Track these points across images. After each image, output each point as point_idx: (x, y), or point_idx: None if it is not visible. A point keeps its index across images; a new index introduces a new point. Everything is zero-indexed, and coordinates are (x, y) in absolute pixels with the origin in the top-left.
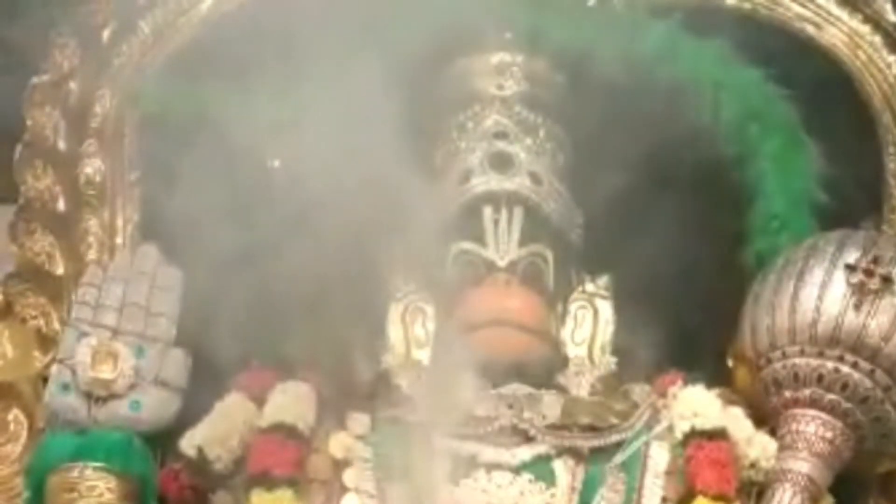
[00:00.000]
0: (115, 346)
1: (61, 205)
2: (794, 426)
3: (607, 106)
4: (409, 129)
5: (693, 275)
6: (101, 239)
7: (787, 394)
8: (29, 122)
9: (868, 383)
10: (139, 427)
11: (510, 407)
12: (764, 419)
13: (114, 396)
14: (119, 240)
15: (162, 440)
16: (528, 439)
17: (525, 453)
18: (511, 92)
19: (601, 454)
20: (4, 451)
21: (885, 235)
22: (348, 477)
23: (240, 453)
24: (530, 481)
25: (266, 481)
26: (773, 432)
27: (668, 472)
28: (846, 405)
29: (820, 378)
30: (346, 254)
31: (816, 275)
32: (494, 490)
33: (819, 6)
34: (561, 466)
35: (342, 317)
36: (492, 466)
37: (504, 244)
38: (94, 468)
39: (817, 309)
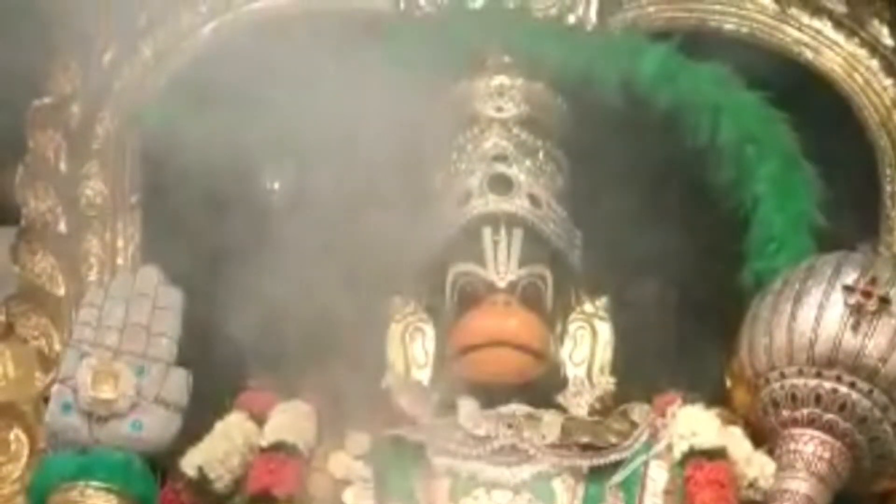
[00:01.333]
0: (117, 366)
1: (62, 226)
2: (792, 446)
3: (606, 128)
4: (408, 152)
5: (691, 296)
6: (103, 260)
7: (785, 413)
8: (31, 144)
9: (866, 403)
10: (140, 447)
11: (510, 426)
12: (762, 439)
13: (115, 416)
14: (120, 261)
15: (163, 460)
16: (528, 458)
17: (525, 472)
18: (510, 114)
19: (600, 473)
20: (6, 470)
21: (883, 257)
22: (348, 496)
23: (240, 473)
24: (530, 500)
25: (266, 500)
26: (771, 452)
27: (668, 492)
28: (844, 425)
29: (818, 398)
30: (346, 274)
31: (814, 296)
32: None
33: (816, 31)
34: (560, 486)
35: (342, 337)
36: (492, 485)
37: (503, 265)
38: (96, 488)
39: (815, 330)
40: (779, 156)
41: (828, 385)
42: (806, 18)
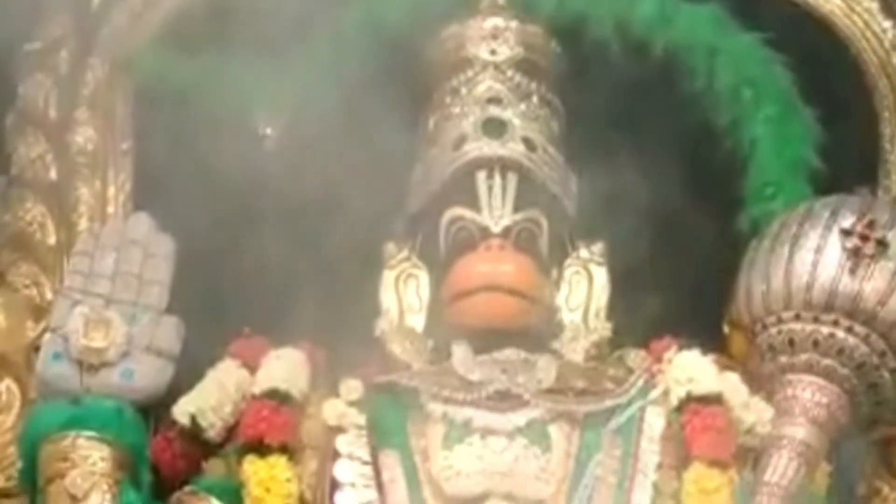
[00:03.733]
0: (108, 314)
1: (53, 174)
2: (789, 392)
3: (601, 72)
4: (402, 95)
5: (688, 241)
6: (93, 208)
7: (783, 359)
8: (20, 91)
9: (864, 349)
10: (132, 395)
11: (504, 372)
12: (760, 385)
13: (106, 365)
14: (111, 209)
15: (155, 408)
16: (523, 404)
17: (520, 418)
18: (504, 57)
19: (596, 419)
20: None
21: (881, 200)
22: (341, 443)
23: (233, 421)
24: (525, 446)
25: (259, 448)
26: (769, 398)
27: (664, 438)
28: (842, 371)
29: (815, 343)
30: (339, 220)
31: (811, 240)
32: (489, 455)
33: None
34: (556, 431)
35: (335, 283)
36: (486, 431)
37: (498, 210)
38: (88, 437)
39: (812, 274)
40: (776, 99)
41: (825, 330)
42: None
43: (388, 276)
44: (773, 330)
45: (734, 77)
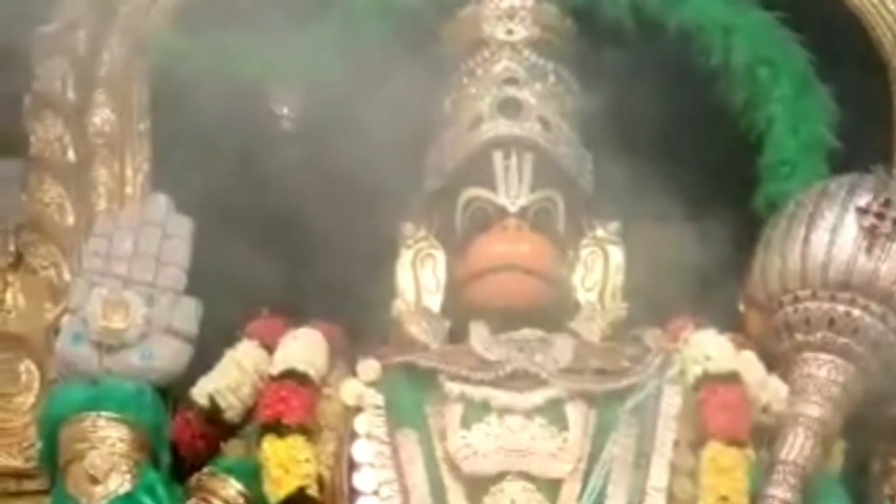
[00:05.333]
0: (126, 295)
1: (71, 155)
2: (805, 370)
3: (617, 51)
4: (419, 75)
5: (704, 219)
6: (111, 189)
7: (799, 337)
8: (37, 72)
9: (880, 327)
10: (151, 376)
11: (521, 351)
12: (775, 363)
13: (125, 346)
14: (129, 189)
15: (173, 389)
16: (540, 383)
17: (537, 397)
18: (520, 37)
19: (613, 398)
20: (17, 401)
21: None
22: (359, 423)
23: (251, 401)
24: (542, 426)
25: (277, 428)
26: (784, 376)
27: (681, 416)
28: (858, 349)
29: (831, 322)
30: (357, 200)
31: (828, 218)
32: (507, 434)
33: None
34: (573, 410)
35: (353, 263)
36: (504, 410)
37: (515, 189)
38: (107, 418)
39: (829, 253)
40: (792, 77)
41: (841, 308)
42: None
43: (404, 256)
44: (790, 308)
45: (750, 55)
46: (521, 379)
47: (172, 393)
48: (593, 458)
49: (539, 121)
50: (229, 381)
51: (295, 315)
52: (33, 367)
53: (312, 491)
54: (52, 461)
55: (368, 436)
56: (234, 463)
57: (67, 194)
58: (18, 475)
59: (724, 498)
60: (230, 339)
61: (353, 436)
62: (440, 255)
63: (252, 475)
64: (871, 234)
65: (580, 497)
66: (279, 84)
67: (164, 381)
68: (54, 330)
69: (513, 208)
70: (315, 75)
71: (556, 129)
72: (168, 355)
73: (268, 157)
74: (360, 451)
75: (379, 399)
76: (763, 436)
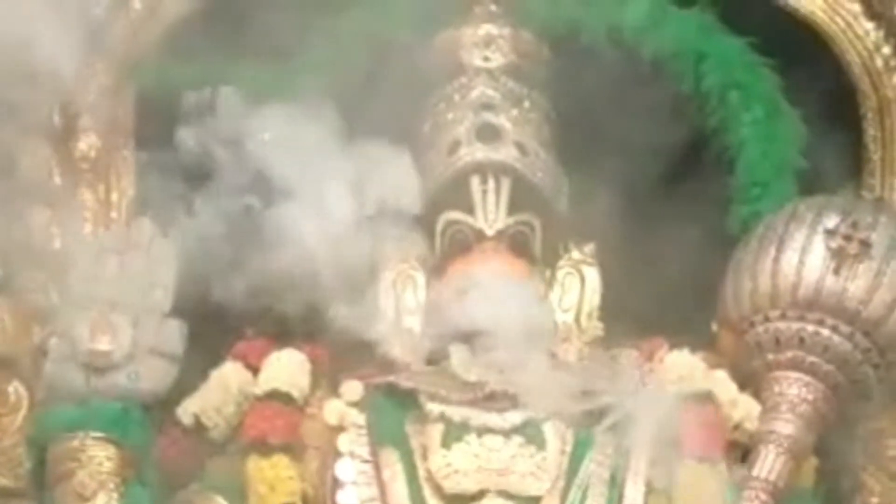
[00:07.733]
0: (113, 318)
1: (57, 179)
2: (776, 388)
3: (592, 77)
4: (397, 101)
5: (677, 241)
6: (97, 213)
7: (770, 356)
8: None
9: (848, 346)
10: (137, 397)
11: (501, 372)
12: (748, 382)
13: (112, 367)
14: (114, 214)
15: (159, 409)
16: (519, 404)
17: (515, 417)
18: (497, 64)
19: (590, 418)
20: (5, 422)
21: (864, 201)
22: (343, 442)
23: (236, 421)
24: (521, 445)
25: (262, 448)
26: (756, 395)
27: (656, 435)
28: (827, 367)
29: (801, 341)
30: (338, 223)
31: (797, 240)
32: (486, 453)
33: None
34: (551, 430)
35: (334, 286)
36: (483, 430)
37: (492, 213)
38: (95, 438)
39: (798, 273)
40: (762, 101)
41: (810, 328)
42: None
43: (385, 278)
44: (760, 328)
45: (721, 80)
46: (499, 400)
47: (158, 412)
48: (571, 476)
49: (516, 146)
50: (214, 400)
51: (278, 336)
52: (21, 389)
53: None
54: (41, 480)
55: (351, 455)
56: (220, 481)
57: (53, 218)
58: (8, 494)
59: None
60: (215, 360)
61: (337, 455)
62: (420, 277)
63: (238, 493)
64: (838, 255)
65: None
66: (261, 110)
67: (150, 401)
68: (42, 352)
69: (490, 231)
70: (296, 101)
71: (533, 153)
72: (154, 376)
73: (251, 183)
74: (344, 469)
75: (361, 419)
76: (736, 453)
